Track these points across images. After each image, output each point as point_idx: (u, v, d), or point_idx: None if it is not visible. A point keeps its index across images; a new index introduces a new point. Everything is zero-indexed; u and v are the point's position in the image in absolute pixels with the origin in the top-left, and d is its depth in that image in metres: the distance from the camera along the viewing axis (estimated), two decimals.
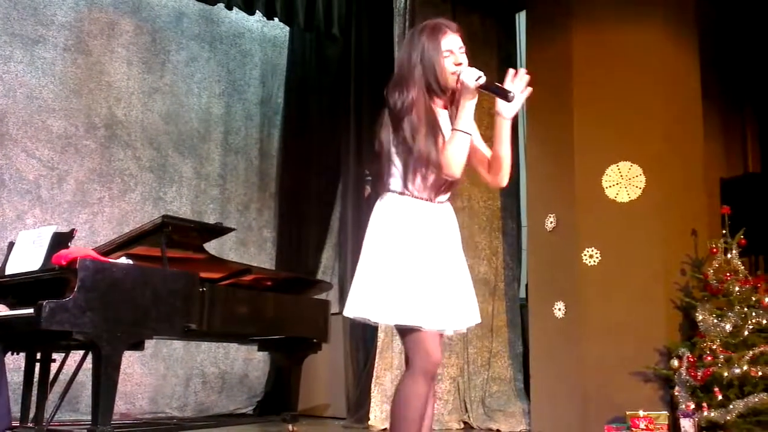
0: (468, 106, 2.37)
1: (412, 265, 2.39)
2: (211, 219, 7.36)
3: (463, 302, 2.51)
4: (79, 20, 7.19)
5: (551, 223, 5.59)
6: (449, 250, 2.50)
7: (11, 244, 4.60)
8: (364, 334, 6.38)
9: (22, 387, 4.58)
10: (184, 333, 4.51)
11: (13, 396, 4.22)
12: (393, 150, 2.45)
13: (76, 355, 4.63)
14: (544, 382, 5.51)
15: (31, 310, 3.80)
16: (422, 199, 2.47)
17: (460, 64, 2.40)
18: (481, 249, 6.37)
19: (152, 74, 7.58)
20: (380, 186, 2.53)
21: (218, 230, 5.13)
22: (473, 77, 2.34)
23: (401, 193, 2.46)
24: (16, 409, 4.35)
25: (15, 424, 4.28)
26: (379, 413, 5.85)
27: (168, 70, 7.69)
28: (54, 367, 4.58)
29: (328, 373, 6.97)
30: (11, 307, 4.18)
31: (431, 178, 2.44)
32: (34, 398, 4.50)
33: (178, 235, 4.60)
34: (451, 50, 2.40)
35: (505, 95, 2.32)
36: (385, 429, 5.74)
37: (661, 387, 4.98)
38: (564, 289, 5.43)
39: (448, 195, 2.55)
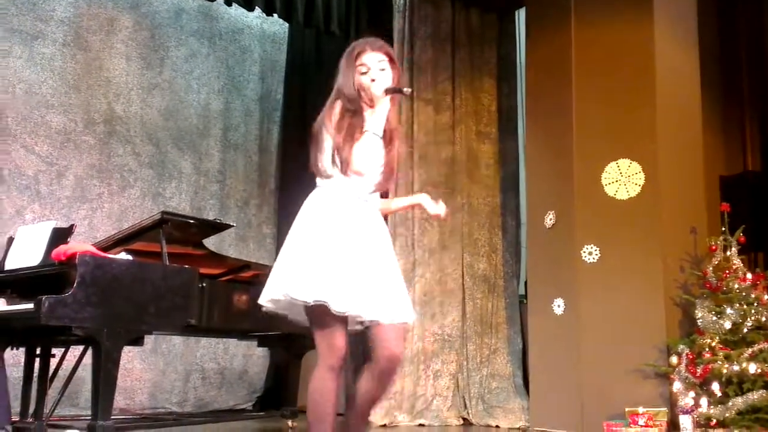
0: (378, 111, 2.62)
1: (322, 250, 2.52)
2: (210, 215, 7.36)
3: (380, 296, 2.58)
4: (78, 16, 7.18)
5: (551, 220, 5.59)
6: (370, 244, 2.61)
7: (10, 239, 4.60)
8: (361, 330, 6.37)
9: (22, 382, 4.57)
10: (183, 329, 4.50)
11: (13, 391, 4.21)
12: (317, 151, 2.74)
13: (75, 351, 4.62)
14: (544, 378, 5.52)
15: (30, 305, 3.80)
16: (347, 194, 2.66)
17: (374, 80, 2.66)
18: (481, 246, 6.38)
19: (151, 70, 7.56)
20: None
21: (217, 226, 5.13)
22: (380, 88, 2.63)
23: (323, 183, 2.72)
24: (15, 405, 4.35)
25: (15, 419, 4.28)
26: (378, 409, 5.85)
27: (167, 66, 7.68)
28: (54, 362, 4.57)
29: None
30: (10, 302, 4.17)
31: (356, 177, 2.63)
32: (34, 393, 4.50)
33: (178, 230, 4.60)
34: (369, 66, 2.68)
35: (401, 91, 2.65)
36: (385, 425, 5.75)
37: (660, 384, 4.99)
38: (563, 286, 5.44)
39: (374, 193, 2.71)
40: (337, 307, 2.47)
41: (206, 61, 7.95)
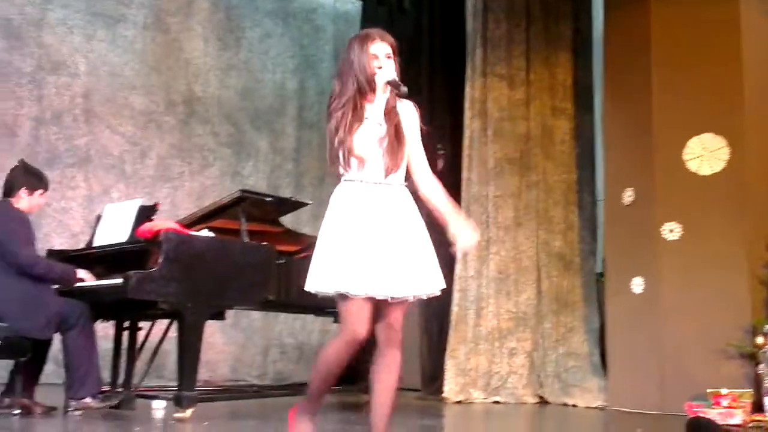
0: (378, 100, 2.73)
1: (339, 241, 2.63)
2: (286, 193, 7.49)
3: (399, 271, 2.64)
4: None
5: (629, 196, 5.47)
6: (386, 225, 2.67)
7: (98, 217, 4.80)
8: (437, 307, 6.40)
9: (111, 354, 4.78)
10: (262, 304, 4.62)
11: (103, 362, 4.41)
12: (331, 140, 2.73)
13: (161, 324, 4.81)
14: (622, 357, 5.43)
15: (119, 280, 3.97)
16: (362, 181, 2.71)
17: (380, 67, 2.74)
18: (556, 223, 6.29)
19: (228, 51, 7.72)
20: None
21: (294, 204, 5.21)
22: (383, 79, 2.72)
23: (341, 178, 2.75)
24: (105, 375, 4.56)
25: (105, 388, 4.48)
26: (453, 386, 5.88)
27: (243, 46, 7.82)
28: (141, 335, 4.76)
29: (402, 346, 7.02)
30: (99, 277, 4.36)
31: (370, 162, 2.70)
32: (123, 365, 4.70)
33: (256, 208, 4.70)
34: (376, 55, 2.76)
35: (398, 87, 2.73)
36: (460, 401, 5.78)
37: (744, 365, 4.84)
38: (642, 264, 5.32)
39: (395, 176, 2.75)
40: (354, 291, 2.59)
41: (281, 40, 8.05)
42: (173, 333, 4.37)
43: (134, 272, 3.90)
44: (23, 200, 4.29)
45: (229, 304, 4.39)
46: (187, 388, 4.01)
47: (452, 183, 6.49)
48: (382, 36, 2.82)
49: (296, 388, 6.96)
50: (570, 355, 6.03)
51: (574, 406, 5.63)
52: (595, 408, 5.49)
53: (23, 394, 4.11)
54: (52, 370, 4.63)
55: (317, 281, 2.64)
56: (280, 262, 4.56)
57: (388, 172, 2.73)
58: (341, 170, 2.73)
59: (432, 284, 2.73)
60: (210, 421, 4.03)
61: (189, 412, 4.00)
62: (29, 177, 4.36)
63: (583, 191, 6.41)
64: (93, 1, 7.03)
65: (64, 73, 6.86)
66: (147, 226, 4.17)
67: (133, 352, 4.70)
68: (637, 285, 5.32)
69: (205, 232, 4.37)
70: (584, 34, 6.61)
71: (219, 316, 4.47)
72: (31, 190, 4.32)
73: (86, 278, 4.31)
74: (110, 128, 7.01)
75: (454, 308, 6.11)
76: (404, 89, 2.74)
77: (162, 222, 4.27)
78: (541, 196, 6.30)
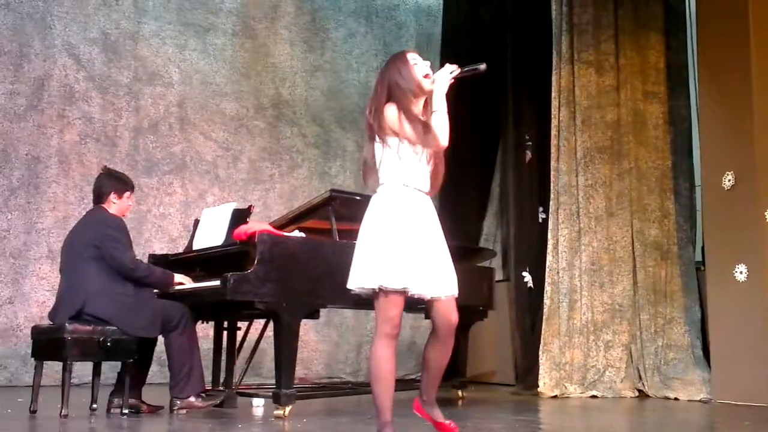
0: (440, 93, 3.02)
1: (378, 242, 2.91)
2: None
3: (431, 272, 2.94)
4: (245, 5, 7.57)
5: (729, 181, 5.25)
6: (423, 230, 2.96)
7: (197, 221, 4.97)
8: (529, 301, 6.32)
9: (212, 353, 4.95)
10: (354, 302, 4.66)
11: (204, 362, 4.56)
12: (380, 153, 3.00)
13: (258, 324, 4.94)
14: (727, 349, 5.22)
15: (217, 282, 4.10)
16: (406, 187, 2.98)
17: (427, 75, 3.05)
18: (651, 211, 6.10)
19: (313, 53, 7.85)
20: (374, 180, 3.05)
21: None
22: (447, 72, 3.06)
23: (385, 185, 3.00)
24: (207, 374, 4.72)
25: (207, 387, 4.65)
26: (548, 380, 5.80)
27: (328, 47, 7.93)
28: (239, 335, 4.91)
29: (495, 340, 6.99)
30: (198, 279, 4.51)
31: (413, 171, 2.97)
32: (223, 364, 4.86)
33: (345, 207, 4.75)
34: (416, 62, 3.07)
35: (476, 70, 3.12)
36: (555, 396, 5.70)
37: None
38: (746, 251, 5.10)
39: (428, 187, 3.05)
40: (390, 284, 2.87)
41: (364, 39, 8.12)
42: (270, 332, 4.48)
43: (231, 274, 4.02)
44: (114, 204, 4.45)
45: (323, 302, 4.46)
46: (285, 386, 4.11)
47: (540, 174, 6.40)
48: (410, 51, 3.16)
49: None
50: (670, 347, 5.84)
51: (675, 399, 5.45)
52: (699, 401, 5.30)
53: (131, 394, 4.30)
54: (157, 371, 4.83)
55: (357, 279, 2.94)
56: None
57: (427, 182, 3.02)
58: (390, 172, 2.96)
59: (452, 286, 3.06)
60: (307, 418, 4.11)
61: (287, 409, 4.10)
62: (115, 181, 4.52)
63: (679, 177, 6.19)
64: (184, 11, 7.29)
65: (159, 83, 7.15)
66: (242, 228, 4.28)
67: (233, 351, 4.85)
68: (741, 273, 5.10)
69: (297, 233, 4.46)
70: (677, 12, 6.37)
71: (313, 314, 4.55)
72: (120, 193, 4.48)
73: (184, 282, 4.47)
74: (204, 134, 7.26)
75: (546, 301, 6.01)
76: (483, 66, 3.12)
77: (256, 224, 4.38)
78: (634, 184, 6.12)
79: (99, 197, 4.47)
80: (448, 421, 3.21)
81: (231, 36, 7.49)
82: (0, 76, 6.54)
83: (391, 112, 2.94)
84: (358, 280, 2.98)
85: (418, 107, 3.04)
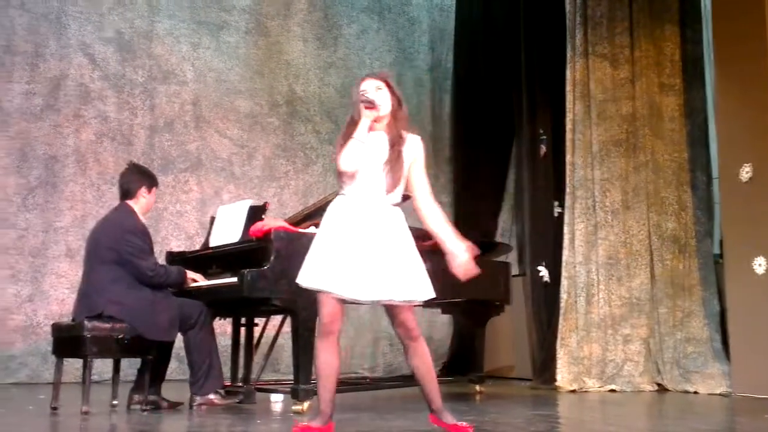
0: (362, 123, 3.15)
1: (325, 247, 3.09)
2: None
3: (365, 276, 3.01)
4: (257, 3, 7.58)
5: (747, 173, 5.21)
6: (362, 236, 3.06)
7: (212, 219, 4.99)
8: (545, 296, 6.31)
9: (230, 350, 4.97)
10: None
11: (222, 358, 4.59)
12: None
13: (275, 320, 4.96)
14: (746, 342, 5.18)
15: (234, 279, 4.12)
16: (353, 199, 3.14)
17: (369, 101, 3.16)
18: (668, 204, 6.06)
19: (326, 49, 7.85)
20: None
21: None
22: (363, 105, 3.16)
23: (341, 194, 3.21)
24: (225, 370, 4.74)
25: (227, 383, 4.67)
26: (566, 374, 5.78)
27: (341, 44, 7.93)
28: (256, 331, 4.93)
29: (512, 335, 6.97)
30: (215, 276, 4.53)
31: (363, 180, 3.13)
32: (241, 360, 4.88)
33: None
34: (364, 90, 3.20)
35: (365, 100, 3.16)
36: (574, 390, 5.68)
37: None
38: (764, 244, 5.06)
39: (387, 196, 3.16)
40: (309, 284, 3.07)
41: (377, 35, 8.12)
42: (287, 328, 4.50)
43: (248, 271, 4.03)
44: (143, 199, 4.44)
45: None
46: (303, 382, 4.12)
47: (555, 168, 6.38)
48: (372, 75, 3.30)
49: (407, 380, 7.04)
50: (689, 341, 5.81)
51: (695, 393, 5.42)
52: (719, 395, 5.27)
53: (151, 391, 4.33)
54: (176, 367, 4.86)
55: (308, 277, 3.07)
56: None
57: (381, 191, 3.12)
58: (342, 186, 3.17)
59: (412, 292, 3.10)
60: None
61: (306, 404, 4.11)
62: (145, 176, 4.52)
63: (696, 170, 6.15)
64: (197, 10, 7.32)
65: (174, 82, 7.18)
66: (258, 225, 4.30)
67: (251, 348, 4.87)
68: (760, 265, 5.06)
69: (313, 230, 4.47)
70: (692, 3, 6.32)
71: None
72: (149, 188, 4.49)
73: (197, 279, 4.49)
74: (218, 132, 7.28)
75: (563, 296, 6.00)
76: (369, 96, 3.15)
77: (272, 221, 4.40)
78: (651, 177, 6.08)
79: (127, 193, 4.43)
80: (461, 422, 3.28)
81: (244, 34, 7.50)
82: (17, 76, 6.59)
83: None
84: (300, 278, 3.15)
85: (375, 132, 3.20)
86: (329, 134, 7.75)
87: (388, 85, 3.25)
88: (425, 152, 3.31)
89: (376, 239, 3.07)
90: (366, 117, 3.15)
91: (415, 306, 3.24)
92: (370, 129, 3.18)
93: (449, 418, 3.29)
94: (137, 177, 4.45)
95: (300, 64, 7.71)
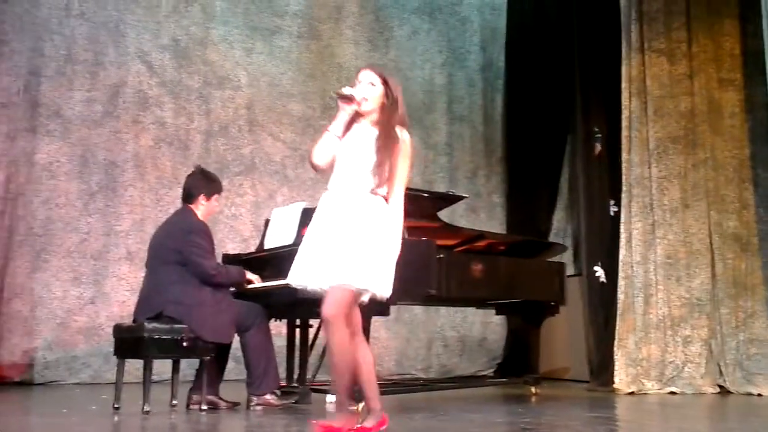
0: (338, 117, 3.19)
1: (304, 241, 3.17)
2: (440, 188, 7.54)
3: (326, 265, 3.05)
4: (309, 7, 7.65)
5: None
6: (335, 228, 3.08)
7: (267, 221, 5.05)
8: (601, 296, 6.21)
9: (285, 351, 5.03)
10: (424, 298, 4.68)
11: (278, 359, 4.63)
12: None
13: None
14: None
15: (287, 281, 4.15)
16: (333, 191, 3.19)
17: (346, 96, 3.17)
18: (729, 202, 5.90)
19: (378, 51, 7.88)
20: None
21: (451, 198, 5.23)
22: (339, 98, 3.18)
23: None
24: (281, 371, 4.79)
25: (282, 384, 4.72)
26: (624, 376, 5.68)
27: (392, 46, 7.96)
28: (311, 332, 4.97)
29: (568, 336, 6.89)
30: (268, 278, 4.58)
31: (336, 172, 3.18)
32: (296, 361, 4.93)
33: (413, 204, 4.73)
34: (359, 81, 3.22)
35: (349, 101, 3.15)
36: (632, 392, 5.58)
37: None
38: None
39: (369, 190, 3.14)
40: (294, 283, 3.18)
41: (428, 36, 8.11)
42: None
43: None
44: (202, 206, 4.52)
45: (393, 299, 4.46)
46: (357, 383, 4.13)
47: (611, 166, 6.27)
48: (371, 67, 3.29)
49: (461, 381, 7.02)
50: (752, 342, 5.65)
51: (759, 395, 5.27)
52: None
53: (209, 391, 4.40)
54: (233, 368, 4.92)
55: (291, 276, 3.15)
56: (440, 256, 4.58)
57: (361, 185, 3.11)
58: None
59: (344, 278, 3.02)
60: None
61: (360, 405, 4.12)
62: (207, 183, 4.59)
63: (758, 167, 5.98)
64: (250, 15, 7.42)
65: (228, 87, 7.29)
66: None
67: (305, 349, 4.91)
68: None
69: None
70: None
71: (384, 312, 4.56)
72: (209, 195, 4.55)
73: (253, 279, 4.55)
74: (272, 136, 7.37)
75: (620, 296, 5.89)
76: (345, 91, 3.15)
77: None
78: (711, 174, 5.94)
79: (188, 197, 4.52)
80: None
81: (296, 38, 7.58)
82: (78, 84, 6.78)
83: None
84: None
85: (361, 123, 3.21)
86: None
87: (384, 82, 3.22)
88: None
89: (337, 228, 3.08)
90: (343, 111, 3.16)
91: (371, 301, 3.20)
92: (356, 122, 3.20)
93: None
94: (198, 183, 4.52)
95: (352, 67, 7.74)
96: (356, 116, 3.19)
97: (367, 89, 3.18)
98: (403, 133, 3.21)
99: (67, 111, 6.70)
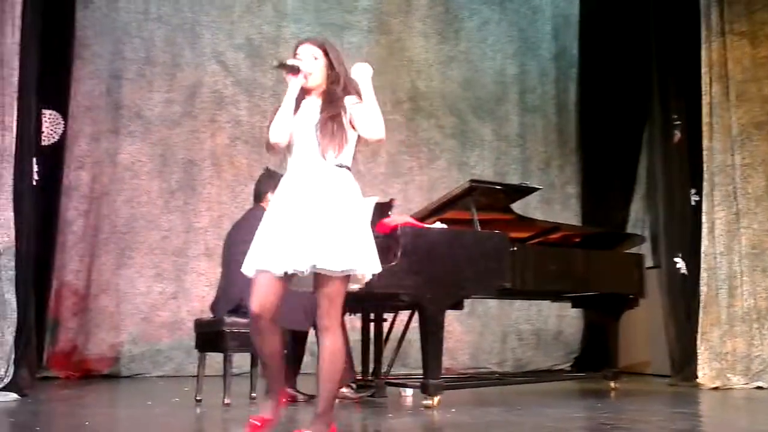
0: (289, 92, 2.99)
1: (262, 226, 2.95)
2: (513, 179, 7.45)
3: (294, 248, 2.80)
4: (379, 2, 7.67)
5: None
6: (295, 207, 2.87)
7: None
8: (683, 288, 6.02)
9: (360, 345, 5.07)
10: (498, 292, 4.64)
11: (353, 353, 4.68)
12: None
13: (403, 315, 5.01)
14: None
15: None
16: (290, 170, 2.99)
17: (292, 67, 3.00)
18: None
19: (447, 44, 7.84)
20: None
21: (525, 190, 5.17)
22: (285, 71, 3.00)
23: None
24: (356, 364, 4.85)
25: (358, 377, 4.77)
26: (708, 371, 5.52)
27: (462, 37, 7.90)
28: (385, 326, 5.00)
29: (647, 329, 6.71)
30: None
31: (294, 149, 2.97)
32: (371, 355, 4.97)
33: (486, 197, 4.72)
34: (298, 55, 3.04)
35: (295, 72, 2.98)
36: (716, 387, 5.41)
37: None
38: None
39: (329, 162, 2.91)
40: (245, 270, 2.96)
41: (498, 26, 8.02)
42: (415, 323, 4.54)
43: None
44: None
45: (467, 293, 4.46)
46: (432, 377, 4.15)
47: (691, 154, 6.07)
48: (311, 41, 3.10)
49: (537, 375, 6.94)
50: None
51: None
52: None
53: (287, 384, 4.47)
54: (309, 361, 5.00)
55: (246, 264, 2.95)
56: (514, 249, 4.54)
57: (318, 158, 2.91)
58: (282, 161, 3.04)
59: (324, 260, 2.78)
60: (456, 408, 4.13)
61: (436, 399, 4.13)
62: (273, 182, 4.68)
63: None
64: (321, 12, 7.49)
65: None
66: (385, 221, 4.36)
67: (380, 342, 4.95)
68: None
69: (438, 225, 4.48)
70: None
71: (458, 305, 4.56)
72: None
73: None
74: None
75: (703, 288, 5.71)
76: (288, 61, 2.98)
77: (398, 217, 4.45)
78: None
79: (257, 196, 4.64)
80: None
81: (367, 33, 7.61)
82: (156, 85, 6.98)
83: None
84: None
85: (308, 99, 3.03)
86: (453, 129, 7.75)
87: (326, 54, 3.03)
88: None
89: (302, 207, 2.84)
90: (291, 84, 2.96)
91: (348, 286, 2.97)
92: (303, 99, 3.00)
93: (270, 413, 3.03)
94: (267, 182, 4.60)
95: (422, 60, 7.74)
96: (303, 93, 3.01)
97: (311, 63, 2.99)
98: (351, 97, 3.00)
99: (147, 112, 6.92)
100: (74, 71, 6.52)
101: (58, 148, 6.30)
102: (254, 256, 2.91)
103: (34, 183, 5.53)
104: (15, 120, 4.79)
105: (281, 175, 4.76)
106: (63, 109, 6.35)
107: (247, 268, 2.95)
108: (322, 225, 2.80)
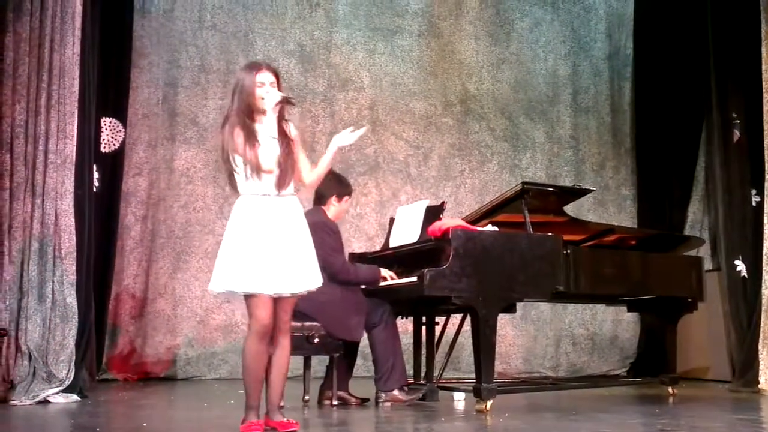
0: (273, 119, 3.23)
1: (242, 247, 3.18)
2: (566, 181, 7.37)
3: (288, 272, 3.18)
4: (429, 5, 7.68)
5: None
6: (280, 233, 3.20)
7: (392, 220, 5.11)
8: (744, 292, 5.86)
9: (412, 348, 5.07)
10: (551, 295, 4.59)
11: (405, 356, 4.68)
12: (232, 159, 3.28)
13: (455, 318, 4.99)
14: None
15: (414, 279, 4.19)
16: (262, 195, 3.24)
17: (289, 100, 3.29)
18: None
19: (498, 45, 7.80)
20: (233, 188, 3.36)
21: (578, 192, 5.10)
22: (273, 101, 3.22)
23: (244, 193, 3.29)
24: (408, 368, 4.84)
25: (410, 381, 4.77)
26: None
27: (513, 39, 7.85)
28: (437, 329, 4.98)
29: (707, 334, 6.54)
30: (397, 276, 4.63)
31: (267, 177, 3.23)
32: (423, 358, 4.96)
33: (538, 200, 4.67)
34: (263, 82, 3.27)
35: (289, 102, 3.31)
36: None
37: None
38: None
39: (290, 190, 3.30)
40: (244, 289, 3.17)
41: (550, 27, 7.94)
42: (467, 326, 4.51)
43: (427, 270, 4.08)
44: (333, 207, 4.66)
45: (519, 296, 4.42)
46: (485, 381, 4.12)
47: (751, 154, 5.91)
48: (268, 67, 3.35)
49: (592, 380, 6.82)
50: None
51: None
52: None
53: (340, 387, 4.51)
54: (361, 364, 5.03)
55: (225, 282, 3.17)
56: (568, 251, 4.48)
57: (282, 186, 3.22)
58: (242, 185, 3.25)
59: (309, 282, 3.27)
60: (509, 413, 4.09)
61: (489, 403, 4.10)
62: (339, 185, 4.71)
63: None
64: (372, 17, 7.53)
65: (351, 89, 7.43)
66: (436, 224, 4.34)
67: (432, 346, 4.93)
68: None
69: (490, 228, 4.45)
70: None
71: (510, 309, 4.52)
72: (340, 197, 4.69)
73: (388, 277, 4.59)
74: (395, 135, 7.45)
75: (765, 292, 5.54)
76: (279, 96, 3.23)
77: (450, 220, 4.43)
78: None
79: (320, 199, 4.66)
80: (287, 419, 3.35)
81: (417, 36, 7.62)
82: (211, 93, 7.11)
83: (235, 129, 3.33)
84: (222, 284, 3.22)
85: (262, 122, 3.28)
86: (504, 131, 7.70)
87: (278, 80, 3.34)
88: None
89: (281, 235, 3.19)
90: (274, 113, 3.22)
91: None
92: (256, 122, 3.27)
93: (278, 416, 3.35)
94: (330, 185, 4.60)
95: (472, 63, 7.71)
96: (253, 114, 3.27)
97: (273, 89, 3.28)
98: (290, 127, 3.36)
99: (201, 119, 7.05)
100: (132, 80, 6.69)
101: (118, 155, 6.47)
102: (246, 277, 3.16)
103: (95, 189, 5.69)
104: (75, 128, 4.93)
105: (344, 178, 4.82)
106: (122, 116, 6.53)
107: (231, 285, 3.19)
108: (297, 250, 3.22)
